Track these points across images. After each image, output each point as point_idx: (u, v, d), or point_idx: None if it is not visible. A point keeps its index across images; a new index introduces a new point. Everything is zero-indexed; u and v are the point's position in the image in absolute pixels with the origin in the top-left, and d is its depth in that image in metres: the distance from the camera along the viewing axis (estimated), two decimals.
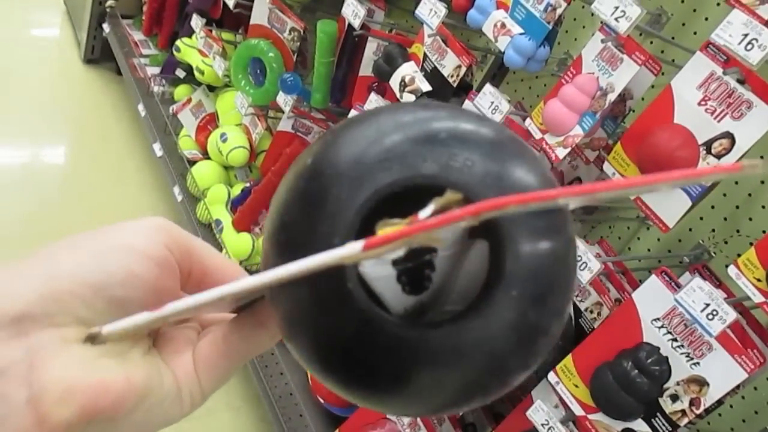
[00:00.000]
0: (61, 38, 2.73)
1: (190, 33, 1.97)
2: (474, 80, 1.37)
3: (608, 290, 1.00)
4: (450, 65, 1.19)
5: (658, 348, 0.86)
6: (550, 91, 1.05)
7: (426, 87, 1.21)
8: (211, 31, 1.83)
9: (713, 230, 1.15)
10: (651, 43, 1.26)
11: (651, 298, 0.87)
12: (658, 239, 1.24)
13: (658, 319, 0.87)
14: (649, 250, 1.25)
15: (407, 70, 1.25)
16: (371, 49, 1.40)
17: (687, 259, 1.15)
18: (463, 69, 1.17)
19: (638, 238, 1.28)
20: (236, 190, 1.82)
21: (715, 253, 1.14)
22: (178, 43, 2.04)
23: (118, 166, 2.23)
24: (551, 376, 0.97)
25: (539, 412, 0.98)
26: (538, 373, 1.12)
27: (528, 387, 1.14)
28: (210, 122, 1.99)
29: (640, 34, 1.22)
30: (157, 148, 2.06)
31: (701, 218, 1.16)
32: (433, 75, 1.22)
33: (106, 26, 2.43)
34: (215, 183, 1.88)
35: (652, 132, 0.89)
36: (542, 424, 0.98)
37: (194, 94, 2.08)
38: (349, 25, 1.36)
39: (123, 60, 2.33)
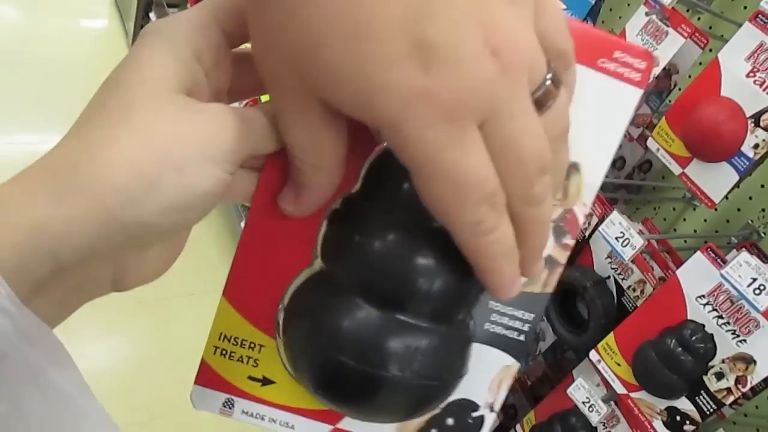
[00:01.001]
0: (108, 28, 2.80)
1: None
2: None
3: (652, 268, 0.99)
4: None
5: (703, 325, 0.85)
6: None
7: None
8: None
9: (763, 210, 1.12)
10: (699, 19, 1.22)
11: (696, 275, 0.86)
12: (705, 220, 1.21)
13: (704, 296, 0.85)
14: (695, 230, 1.23)
15: None
16: None
17: (735, 240, 1.12)
18: None
19: (684, 219, 1.25)
20: None
21: (764, 233, 1.11)
22: None
23: None
24: (593, 355, 0.97)
25: (580, 390, 0.98)
26: (579, 355, 1.11)
27: (569, 368, 1.13)
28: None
29: (688, 10, 1.19)
30: None
31: (750, 198, 1.13)
32: None
33: (153, 15, 2.49)
34: None
35: (698, 106, 0.87)
36: (583, 402, 0.97)
37: None
38: None
39: None
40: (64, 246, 0.24)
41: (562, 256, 0.35)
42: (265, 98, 0.29)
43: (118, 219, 0.24)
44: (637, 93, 0.32)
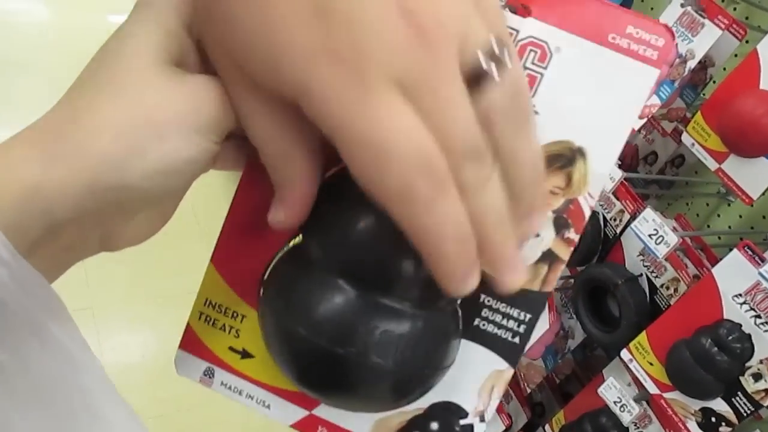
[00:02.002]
0: None
1: None
2: None
3: (686, 266, 0.96)
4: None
5: (740, 325, 0.83)
6: None
7: None
8: None
9: None
10: (735, 9, 1.19)
11: (732, 273, 0.84)
12: (740, 216, 1.18)
13: (740, 294, 0.83)
14: (729, 227, 1.20)
15: None
16: None
17: None
18: None
19: (718, 215, 1.22)
20: None
21: None
22: None
23: None
24: (624, 354, 0.95)
25: (611, 389, 0.96)
26: (610, 353, 1.09)
27: (598, 366, 1.11)
28: None
29: (723, 0, 1.16)
30: None
31: None
32: None
33: None
34: None
35: (736, 99, 0.85)
36: (615, 402, 0.95)
37: None
38: None
39: None
40: (57, 206, 0.25)
41: (564, 252, 0.32)
42: None
43: (103, 182, 0.25)
44: (653, 73, 0.30)
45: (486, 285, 0.30)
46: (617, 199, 1.04)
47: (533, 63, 0.31)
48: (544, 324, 1.10)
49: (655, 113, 0.96)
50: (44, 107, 0.27)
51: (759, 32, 0.94)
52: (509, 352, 0.33)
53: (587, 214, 0.32)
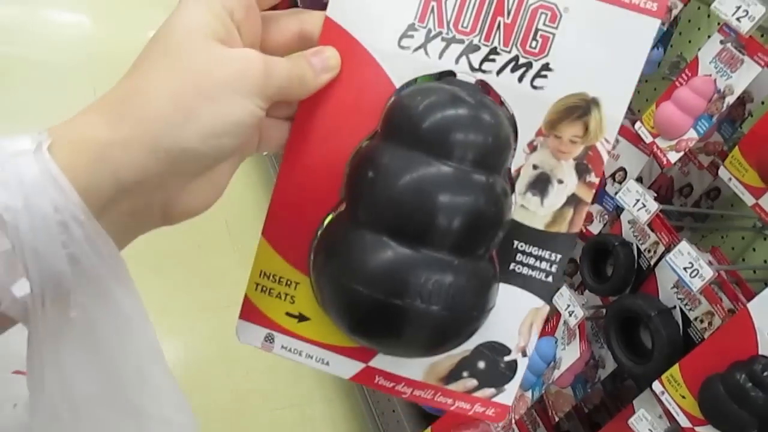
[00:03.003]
0: None
1: None
2: None
3: (721, 300, 0.96)
4: None
5: None
6: (662, 94, 1.02)
7: None
8: None
9: None
10: None
11: None
12: None
13: None
14: (765, 261, 1.19)
15: None
16: None
17: None
18: None
19: (753, 249, 1.21)
20: None
21: None
22: None
23: None
24: (656, 386, 0.95)
25: (642, 421, 0.96)
26: (640, 385, 1.09)
27: (628, 397, 1.11)
28: None
29: (762, 35, 1.17)
30: None
31: None
32: None
33: None
34: None
35: None
36: None
37: None
38: None
39: None
40: (124, 168, 0.28)
41: (587, 194, 0.35)
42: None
43: (163, 144, 0.28)
44: (654, 24, 0.33)
45: (518, 231, 0.35)
46: (652, 230, 1.04)
47: (545, 24, 0.34)
48: (574, 352, 1.10)
49: (692, 146, 0.97)
50: None
51: None
52: (544, 290, 0.36)
53: (605, 157, 0.35)
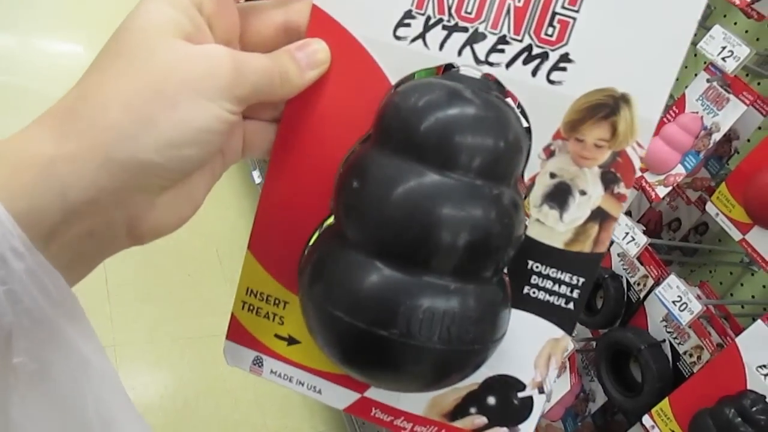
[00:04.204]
0: None
1: None
2: None
3: (710, 334, 0.97)
4: None
5: (764, 396, 0.83)
6: None
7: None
8: None
9: None
10: (759, 84, 1.23)
11: (756, 344, 0.84)
12: (764, 286, 1.19)
13: (764, 366, 0.83)
14: (753, 296, 1.20)
15: None
16: None
17: None
18: None
19: (741, 284, 1.23)
20: None
21: None
22: None
23: (215, 191, 2.35)
24: (646, 420, 0.95)
25: None
26: (630, 419, 1.09)
27: (620, 431, 1.11)
28: None
29: (747, 75, 1.20)
30: (256, 176, 2.17)
31: None
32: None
33: None
34: None
35: (760, 172, 0.87)
36: None
37: None
38: None
39: None
40: (71, 186, 0.24)
41: (615, 209, 0.30)
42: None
43: (115, 157, 0.24)
44: (700, 2, 0.27)
45: (533, 250, 0.30)
46: (641, 264, 1.05)
47: (564, 7, 0.29)
48: (565, 385, 1.10)
49: (680, 182, 0.98)
50: None
51: None
52: (564, 318, 0.31)
53: (637, 165, 0.29)
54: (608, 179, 0.30)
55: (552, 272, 0.31)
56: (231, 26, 0.30)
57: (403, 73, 0.31)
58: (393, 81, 0.31)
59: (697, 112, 0.98)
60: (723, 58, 0.91)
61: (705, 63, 0.97)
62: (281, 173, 0.32)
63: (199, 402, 1.64)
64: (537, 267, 0.31)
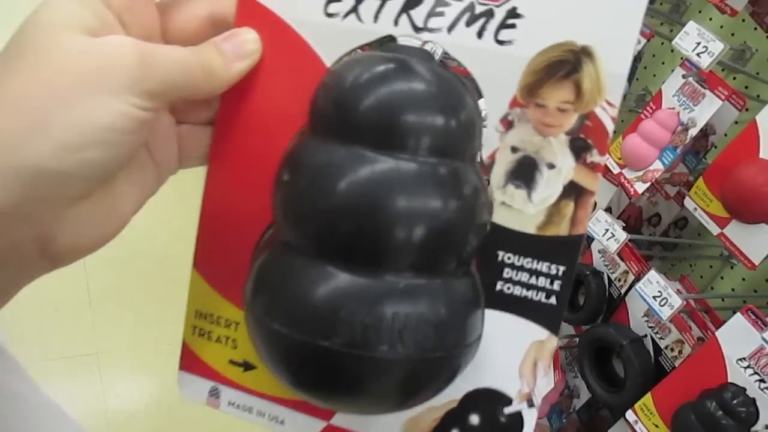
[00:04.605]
0: None
1: None
2: None
3: (690, 328, 0.98)
4: None
5: (744, 389, 0.83)
6: (629, 126, 1.05)
7: None
8: None
9: None
10: (734, 78, 1.24)
11: (736, 337, 0.85)
12: (743, 279, 1.20)
13: (744, 358, 0.84)
14: (733, 289, 1.21)
15: None
16: None
17: None
18: None
19: (721, 278, 1.24)
20: None
21: None
22: None
23: (199, 195, 2.33)
24: (629, 415, 0.95)
25: None
26: (615, 414, 1.10)
27: (605, 426, 1.11)
28: None
29: (723, 70, 1.21)
30: None
31: None
32: None
33: None
34: None
35: (737, 168, 0.88)
36: None
37: None
38: None
39: None
40: None
41: (591, 181, 0.26)
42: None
43: (8, 165, 0.22)
44: None
45: (502, 238, 0.26)
46: (622, 259, 1.06)
47: None
48: (549, 382, 1.10)
49: (659, 177, 0.99)
50: None
51: (758, 102, 0.98)
52: (546, 316, 0.26)
53: (610, 128, 0.25)
54: (578, 147, 0.26)
55: (526, 263, 0.26)
56: (148, 21, 0.27)
57: (339, 53, 0.28)
58: (328, 63, 0.28)
59: (673, 108, 0.99)
60: (698, 54, 0.92)
61: (681, 59, 0.98)
62: (220, 179, 0.29)
63: (184, 408, 1.62)
64: (509, 258, 0.26)
